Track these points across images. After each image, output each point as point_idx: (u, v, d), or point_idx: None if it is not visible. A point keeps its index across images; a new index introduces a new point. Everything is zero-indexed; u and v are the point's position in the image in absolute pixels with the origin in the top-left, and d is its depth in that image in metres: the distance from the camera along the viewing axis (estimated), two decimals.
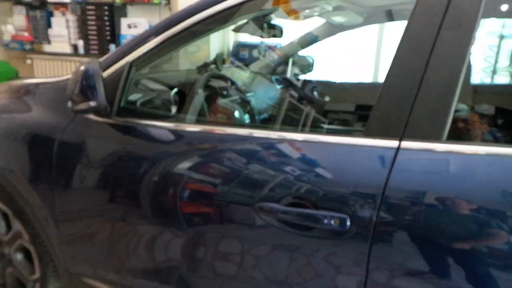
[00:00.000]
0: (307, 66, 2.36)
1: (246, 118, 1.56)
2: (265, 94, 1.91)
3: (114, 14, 4.33)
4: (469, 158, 0.78)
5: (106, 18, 4.30)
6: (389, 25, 2.11)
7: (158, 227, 1.11)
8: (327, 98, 2.16)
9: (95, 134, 1.21)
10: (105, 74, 1.17)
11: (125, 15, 4.36)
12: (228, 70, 2.05)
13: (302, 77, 2.27)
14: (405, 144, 0.81)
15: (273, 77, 2.14)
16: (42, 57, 4.67)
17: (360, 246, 0.82)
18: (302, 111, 1.70)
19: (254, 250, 0.95)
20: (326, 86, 2.17)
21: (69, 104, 1.14)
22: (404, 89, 0.82)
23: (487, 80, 3.35)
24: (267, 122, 1.73)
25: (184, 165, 1.04)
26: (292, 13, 1.61)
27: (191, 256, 1.06)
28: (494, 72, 3.41)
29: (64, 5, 4.46)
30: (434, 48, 0.80)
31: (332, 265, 0.86)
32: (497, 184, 0.74)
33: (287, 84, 2.14)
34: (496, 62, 3.38)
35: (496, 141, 1.30)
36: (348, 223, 0.81)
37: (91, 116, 1.20)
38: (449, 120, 0.78)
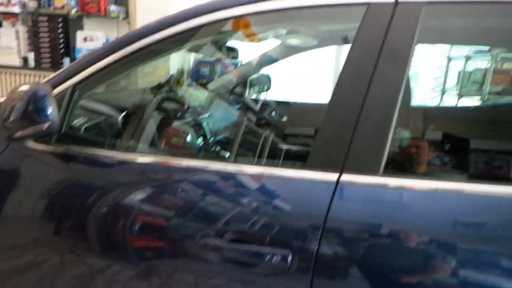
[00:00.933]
0: (265, 87, 2.38)
1: (200, 142, 1.53)
2: (222, 117, 1.89)
3: (69, 27, 4.16)
4: (402, 192, 0.80)
5: (60, 30, 4.13)
6: (343, 48, 2.18)
7: (103, 261, 1.04)
8: (284, 121, 2.18)
9: (32, 162, 1.13)
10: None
11: (81, 28, 4.21)
12: (185, 91, 2.02)
13: (260, 98, 2.28)
14: (345, 177, 0.82)
15: (231, 99, 2.13)
16: None
17: (302, 281, 0.81)
18: (259, 135, 1.70)
19: (200, 287, 0.91)
20: (284, 108, 2.19)
21: (4, 131, 1.06)
22: (343, 121, 0.83)
23: (430, 107, 3.55)
24: (223, 146, 1.71)
25: (129, 197, 0.99)
26: (251, 36, 1.62)
27: None
28: (436, 97, 3.61)
29: (14, 15, 4.24)
30: (371, 82, 0.82)
31: None
32: (429, 217, 0.77)
33: (245, 106, 2.13)
34: (439, 87, 3.59)
35: (442, 166, 1.36)
36: (290, 258, 0.81)
37: (29, 144, 1.12)
38: (385, 154, 0.80)
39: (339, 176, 0.82)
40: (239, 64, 2.42)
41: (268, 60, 2.23)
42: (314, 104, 2.17)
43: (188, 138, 1.43)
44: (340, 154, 0.82)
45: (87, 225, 1.04)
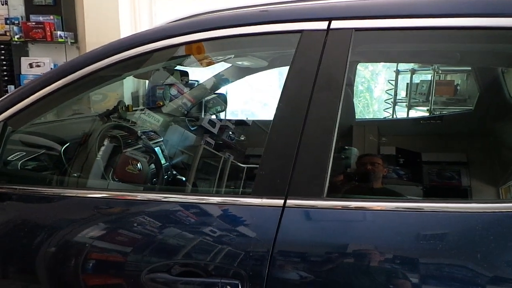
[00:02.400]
0: (220, 108, 2.37)
1: (152, 168, 1.47)
2: (178, 141, 1.85)
3: (13, 53, 3.96)
4: (346, 213, 0.82)
5: (2, 57, 3.93)
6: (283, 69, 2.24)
7: None
8: (243, 139, 2.17)
9: None
10: None
11: (26, 54, 4.02)
12: (138, 117, 1.96)
13: (216, 120, 2.26)
14: (290, 202, 0.82)
15: (187, 122, 2.10)
16: None
17: None
18: (215, 158, 1.67)
19: None
20: (242, 128, 2.18)
21: None
22: (284, 148, 0.84)
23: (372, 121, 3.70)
24: (177, 171, 1.66)
25: (72, 235, 0.92)
26: (203, 60, 1.61)
27: None
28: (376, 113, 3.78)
29: None
30: (309, 106, 0.83)
31: None
32: (372, 237, 0.79)
33: (202, 129, 2.10)
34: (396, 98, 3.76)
35: (393, 179, 1.40)
36: (240, 287, 0.78)
37: None
38: (326, 177, 0.81)
39: (285, 202, 0.82)
40: (192, 87, 2.40)
41: (222, 81, 2.23)
42: (261, 123, 2.18)
43: (139, 166, 1.38)
44: (284, 180, 0.82)
45: (32, 267, 0.96)
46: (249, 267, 0.79)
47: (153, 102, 3.49)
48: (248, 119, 2.36)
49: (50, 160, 1.25)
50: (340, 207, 0.81)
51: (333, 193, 0.84)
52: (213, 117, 2.28)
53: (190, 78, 2.06)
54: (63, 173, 1.25)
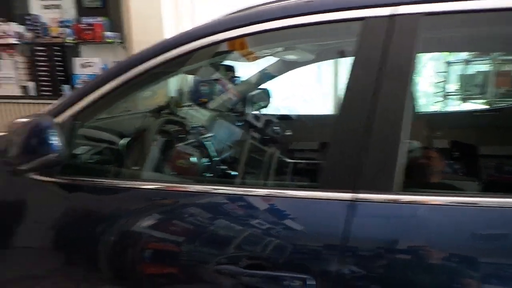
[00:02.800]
0: (265, 104, 2.37)
1: (205, 163, 1.50)
2: (225, 136, 1.88)
3: (66, 54, 4.20)
4: (417, 208, 0.78)
5: (57, 58, 4.17)
6: (340, 61, 2.18)
7: None
8: (289, 134, 2.16)
9: (36, 194, 1.11)
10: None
11: (78, 54, 4.24)
12: (185, 113, 2.01)
13: (260, 115, 2.27)
14: (358, 196, 0.80)
15: (233, 117, 2.12)
16: None
17: None
18: (263, 153, 1.68)
19: None
20: (287, 123, 2.17)
21: (5, 165, 1.04)
22: (353, 140, 0.82)
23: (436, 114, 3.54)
24: (228, 165, 1.68)
25: (136, 225, 0.97)
26: (248, 55, 1.62)
27: None
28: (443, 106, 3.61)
29: (11, 46, 4.28)
30: (377, 97, 0.81)
31: None
32: (447, 232, 0.75)
33: (247, 124, 2.12)
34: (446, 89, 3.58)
35: (454, 174, 1.33)
36: (310, 282, 0.78)
37: (33, 176, 1.10)
38: (396, 170, 0.78)
39: (353, 195, 0.80)
40: (238, 82, 2.42)
41: (267, 76, 2.23)
42: (316, 116, 2.16)
43: (193, 160, 1.41)
44: (352, 174, 0.80)
45: (95, 254, 1.01)
46: (317, 262, 0.78)
47: (197, 99, 3.58)
48: (293, 113, 2.35)
49: (111, 154, 1.31)
50: (411, 202, 0.78)
51: (403, 187, 0.81)
52: (259, 111, 2.29)
53: (235, 73, 2.07)
54: (123, 166, 1.31)
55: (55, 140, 0.98)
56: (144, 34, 3.84)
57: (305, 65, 2.07)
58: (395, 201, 0.78)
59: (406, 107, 0.79)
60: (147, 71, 1.06)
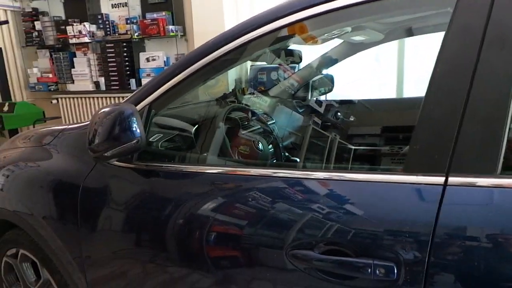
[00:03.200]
0: (327, 89, 2.31)
1: (270, 149, 1.50)
2: (287, 122, 1.86)
3: (132, 50, 4.44)
4: None
5: (125, 54, 4.42)
6: (411, 40, 2.04)
7: (186, 271, 1.05)
8: (352, 120, 2.09)
9: (117, 180, 1.18)
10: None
11: (143, 49, 4.47)
12: (248, 100, 2.02)
13: (324, 101, 2.22)
14: (453, 180, 0.73)
15: (294, 103, 2.09)
16: (66, 96, 4.84)
17: None
18: (327, 138, 1.64)
19: None
20: (350, 108, 2.10)
21: (91, 152, 1.11)
22: (445, 118, 0.75)
23: None
24: (291, 152, 1.67)
25: (208, 208, 0.99)
26: (309, 39, 1.57)
27: None
28: None
29: (85, 45, 4.63)
30: (476, 70, 0.73)
31: None
32: None
33: (309, 110, 2.08)
34: None
35: None
36: (396, 271, 0.73)
37: (113, 162, 1.18)
38: (501, 150, 0.70)
39: (446, 179, 0.73)
40: (299, 68, 2.38)
41: (330, 60, 2.16)
42: (384, 101, 2.05)
43: (259, 146, 1.42)
44: (445, 155, 0.74)
45: (168, 236, 1.06)
46: (405, 250, 0.73)
47: (256, 86, 3.60)
48: (357, 98, 2.26)
49: (182, 141, 1.35)
50: None
51: (508, 170, 0.73)
52: (322, 97, 2.24)
53: (298, 59, 2.04)
54: (193, 152, 1.35)
55: (136, 128, 1.03)
56: (205, 26, 3.93)
57: (370, 47, 1.97)
58: (498, 186, 0.70)
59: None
60: (214, 61, 1.07)
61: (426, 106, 0.77)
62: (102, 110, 1.07)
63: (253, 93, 2.11)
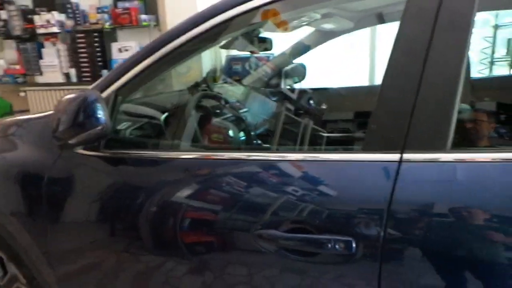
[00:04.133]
0: (300, 76, 2.33)
1: (242, 136, 1.51)
2: (260, 110, 1.86)
3: (104, 40, 4.32)
4: (476, 166, 0.73)
5: (96, 44, 4.30)
6: (381, 27, 2.07)
7: (159, 259, 1.05)
8: (324, 108, 2.12)
9: (84, 169, 1.16)
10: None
11: (115, 39, 4.35)
12: (221, 88, 2.01)
13: (297, 88, 2.23)
14: (407, 156, 0.76)
15: (267, 91, 2.10)
16: (35, 89, 4.67)
17: (370, 268, 0.76)
18: (300, 124, 1.66)
19: (256, 280, 0.89)
20: (322, 95, 2.13)
21: (56, 140, 1.09)
22: (400, 98, 0.77)
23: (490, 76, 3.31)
24: (264, 139, 1.68)
25: (178, 194, 0.99)
26: (282, 25, 1.58)
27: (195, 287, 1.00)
28: (494, 65, 3.37)
29: (54, 35, 4.47)
30: (429, 52, 0.75)
31: None
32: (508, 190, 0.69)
33: (282, 97, 2.09)
34: (493, 54, 3.35)
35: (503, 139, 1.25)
36: (354, 245, 0.76)
37: (79, 151, 1.15)
38: (451, 128, 0.73)
39: (401, 156, 0.76)
40: (272, 56, 2.38)
41: (302, 48, 2.18)
42: (355, 88, 2.09)
43: (230, 133, 1.42)
44: (400, 133, 0.76)
45: (140, 224, 1.05)
46: (363, 225, 0.76)
47: (230, 75, 3.59)
48: (330, 85, 2.29)
49: (152, 128, 1.34)
50: (468, 160, 0.73)
51: (458, 146, 0.76)
52: (293, 85, 2.25)
53: (270, 47, 2.04)
54: (163, 140, 1.34)
55: (101, 114, 1.01)
56: (179, 15, 3.84)
57: (341, 35, 2.00)
58: (449, 160, 0.73)
59: (465, 58, 0.74)
60: (181, 46, 1.06)
61: (383, 87, 0.80)
62: (66, 97, 1.05)
63: (226, 81, 2.11)
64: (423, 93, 0.75)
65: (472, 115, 1.20)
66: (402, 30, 0.79)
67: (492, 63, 3.39)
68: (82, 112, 0.99)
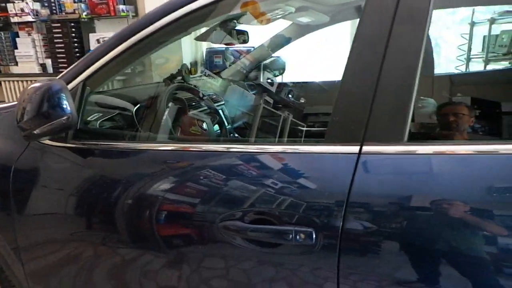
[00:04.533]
0: (279, 69, 2.33)
1: (216, 128, 1.50)
2: (236, 102, 1.86)
3: (82, 30, 4.22)
4: (431, 158, 0.75)
5: (73, 35, 4.19)
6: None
7: (130, 252, 1.04)
8: (302, 101, 2.12)
9: (51, 160, 1.13)
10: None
11: (93, 30, 4.26)
12: (199, 81, 2.00)
13: (274, 80, 2.24)
14: (366, 148, 0.77)
15: (246, 84, 2.10)
16: (10, 79, 4.53)
17: (329, 258, 0.78)
18: (277, 118, 1.66)
19: (223, 271, 0.90)
20: (300, 88, 2.13)
21: (22, 131, 1.06)
22: (360, 91, 0.79)
23: (454, 71, 3.39)
24: (238, 131, 1.68)
25: (146, 185, 0.98)
26: (260, 16, 1.57)
27: (165, 279, 1.00)
28: (458, 61, 3.45)
29: (29, 24, 4.33)
30: (387, 46, 0.76)
31: (302, 280, 0.82)
32: (460, 183, 0.72)
33: (260, 89, 2.09)
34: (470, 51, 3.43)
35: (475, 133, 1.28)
36: (314, 235, 0.77)
37: (47, 142, 1.12)
38: (408, 121, 0.75)
39: (360, 148, 0.77)
40: (252, 49, 2.37)
41: (281, 41, 2.17)
42: (329, 82, 2.11)
43: (204, 126, 1.41)
44: (360, 125, 0.78)
45: (108, 216, 1.04)
46: (323, 216, 0.77)
47: (210, 68, 3.56)
48: (308, 79, 2.30)
49: (124, 120, 1.32)
50: (424, 152, 0.75)
51: (415, 139, 0.77)
52: (272, 78, 2.25)
53: (247, 39, 2.03)
54: (134, 131, 1.32)
55: (66, 104, 0.99)
56: (157, 6, 3.80)
57: (317, 29, 2.00)
58: (405, 152, 0.75)
59: (422, 51, 0.75)
60: (150, 35, 1.05)
61: (344, 80, 0.81)
62: (31, 86, 1.02)
63: (204, 74, 2.09)
64: (382, 86, 0.76)
65: (434, 110, 1.22)
66: (362, 24, 0.80)
67: (469, 59, 3.47)
68: (47, 102, 0.97)
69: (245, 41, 1.87)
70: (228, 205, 0.86)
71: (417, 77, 0.74)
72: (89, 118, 1.22)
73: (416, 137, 0.77)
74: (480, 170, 0.71)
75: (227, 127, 1.61)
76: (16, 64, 4.46)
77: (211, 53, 3.76)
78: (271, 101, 1.96)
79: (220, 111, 1.68)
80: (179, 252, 0.96)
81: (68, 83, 1.11)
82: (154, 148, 1.05)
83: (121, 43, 1.07)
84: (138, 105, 1.36)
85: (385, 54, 0.77)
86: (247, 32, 1.76)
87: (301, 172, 0.82)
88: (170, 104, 1.36)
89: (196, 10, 1.01)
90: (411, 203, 0.73)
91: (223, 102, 1.78)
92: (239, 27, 1.74)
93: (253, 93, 2.03)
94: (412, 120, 0.76)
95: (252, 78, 2.25)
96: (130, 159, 1.06)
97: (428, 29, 0.76)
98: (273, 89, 2.11)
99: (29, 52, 4.38)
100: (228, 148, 0.95)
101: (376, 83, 0.77)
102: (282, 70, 2.37)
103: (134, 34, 1.06)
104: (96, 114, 1.28)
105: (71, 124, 1.01)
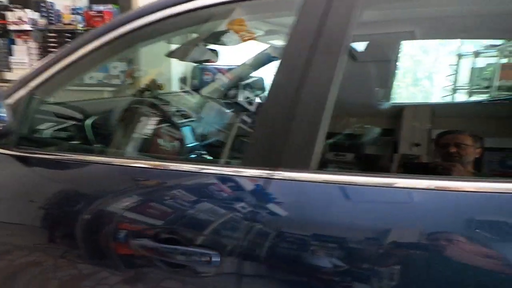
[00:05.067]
0: (259, 89, 2.33)
1: (174, 146, 1.49)
2: (211, 120, 1.85)
3: None
4: (332, 187, 0.75)
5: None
6: None
7: (62, 261, 1.01)
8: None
9: None
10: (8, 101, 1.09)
11: None
12: (175, 96, 1.99)
13: (254, 100, 2.23)
14: (276, 174, 0.77)
15: (222, 102, 2.09)
16: (2, 85, 4.56)
17: (231, 282, 0.76)
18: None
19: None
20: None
21: None
22: (277, 117, 0.78)
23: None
24: (209, 149, 1.66)
25: (86, 197, 0.96)
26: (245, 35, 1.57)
27: None
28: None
29: (26, 32, 4.40)
30: (305, 75, 0.76)
31: None
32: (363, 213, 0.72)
33: (238, 108, 2.08)
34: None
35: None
36: (218, 259, 0.76)
37: None
38: (316, 149, 0.74)
39: (272, 174, 0.77)
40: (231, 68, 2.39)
41: (261, 62, 2.18)
42: None
43: (162, 143, 1.40)
44: (272, 151, 0.77)
45: (47, 226, 1.02)
46: (229, 238, 0.76)
47: (200, 85, 3.58)
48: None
49: (77, 131, 1.31)
50: (327, 181, 0.74)
51: (324, 167, 0.77)
52: (251, 98, 2.25)
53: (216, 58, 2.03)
54: (87, 144, 1.31)
55: (1, 112, 0.98)
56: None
57: None
58: (310, 180, 0.74)
59: (334, 82, 0.75)
60: (112, 41, 1.05)
61: (263, 106, 0.81)
62: None
63: (182, 90, 2.10)
64: (296, 113, 0.76)
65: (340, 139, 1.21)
66: (284, 51, 0.81)
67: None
68: None
69: (214, 61, 1.88)
70: (143, 224, 0.84)
71: (328, 106, 0.74)
72: (39, 127, 1.21)
73: (328, 166, 0.76)
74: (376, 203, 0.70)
75: (191, 145, 1.60)
76: (10, 70, 4.51)
77: (200, 70, 3.79)
78: (250, 120, 1.95)
79: (186, 128, 1.67)
80: (111, 267, 0.93)
81: (14, 92, 1.11)
82: (91, 161, 1.04)
83: (72, 53, 1.07)
84: (92, 117, 1.36)
85: (302, 81, 0.76)
86: (217, 51, 1.77)
87: (211, 193, 0.81)
88: (122, 118, 1.35)
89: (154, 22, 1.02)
90: (309, 230, 0.72)
91: (190, 120, 1.77)
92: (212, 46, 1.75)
93: (230, 111, 2.03)
94: (329, 147, 0.75)
95: (231, 96, 2.25)
96: (67, 171, 1.05)
97: (343, 59, 0.76)
98: (253, 108, 2.10)
99: (23, 59, 4.43)
100: (145, 163, 0.93)
101: (291, 110, 0.77)
102: (262, 91, 2.37)
103: (82, 46, 1.06)
104: (51, 123, 1.27)
105: (7, 132, 1.00)
